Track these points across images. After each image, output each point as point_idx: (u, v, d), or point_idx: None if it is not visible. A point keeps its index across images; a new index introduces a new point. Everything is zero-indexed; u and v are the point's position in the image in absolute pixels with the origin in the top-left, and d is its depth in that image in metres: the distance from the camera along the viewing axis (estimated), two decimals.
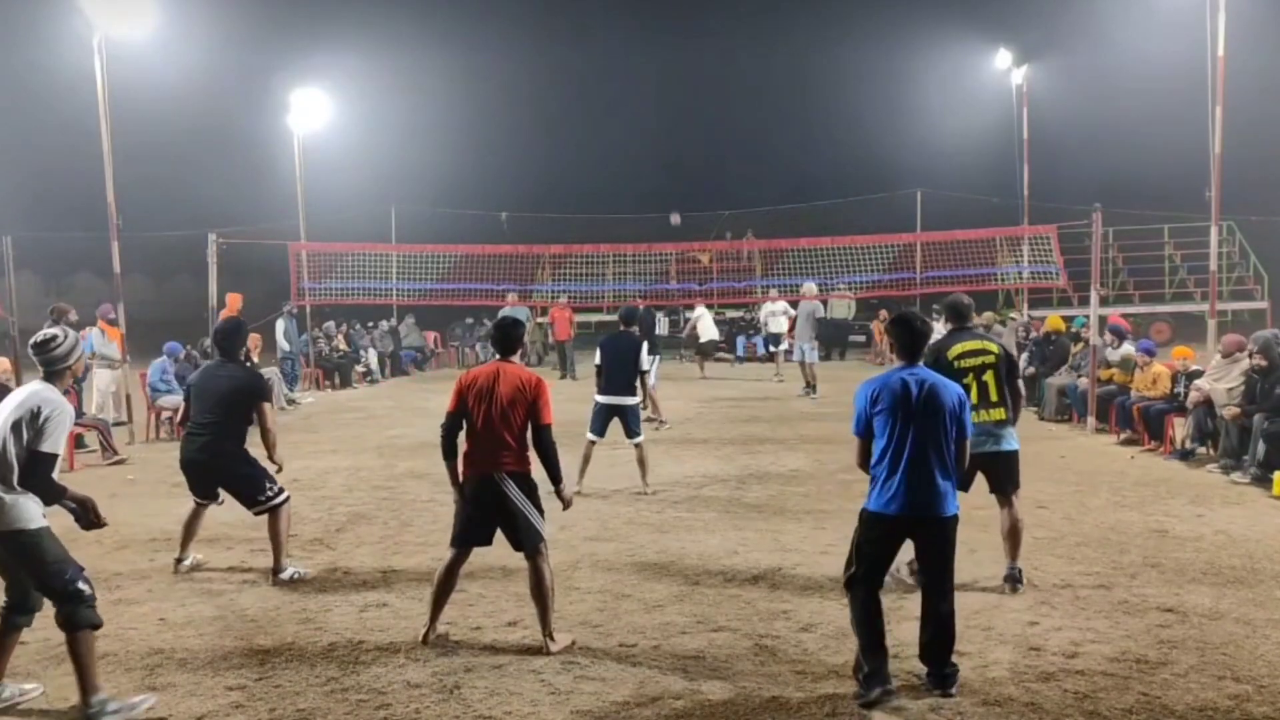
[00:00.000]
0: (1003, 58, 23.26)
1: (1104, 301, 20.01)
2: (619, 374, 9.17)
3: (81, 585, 4.48)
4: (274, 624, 5.74)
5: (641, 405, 9.60)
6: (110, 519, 4.86)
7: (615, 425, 9.24)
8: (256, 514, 6.64)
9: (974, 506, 7.71)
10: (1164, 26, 18.02)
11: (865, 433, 4.80)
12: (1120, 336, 12.94)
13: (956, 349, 6.26)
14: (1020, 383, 6.51)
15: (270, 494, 6.59)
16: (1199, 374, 10.85)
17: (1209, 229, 14.34)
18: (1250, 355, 9.76)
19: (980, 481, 6.26)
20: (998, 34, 25.26)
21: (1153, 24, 18.82)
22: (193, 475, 6.72)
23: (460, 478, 5.36)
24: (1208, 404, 10.31)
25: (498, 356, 5.51)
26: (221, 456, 6.56)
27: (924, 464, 4.63)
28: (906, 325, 4.92)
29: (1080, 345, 14.13)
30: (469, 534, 5.35)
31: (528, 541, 5.25)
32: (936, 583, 4.75)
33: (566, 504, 5.58)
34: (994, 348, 6.32)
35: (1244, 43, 15.93)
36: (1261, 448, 9.21)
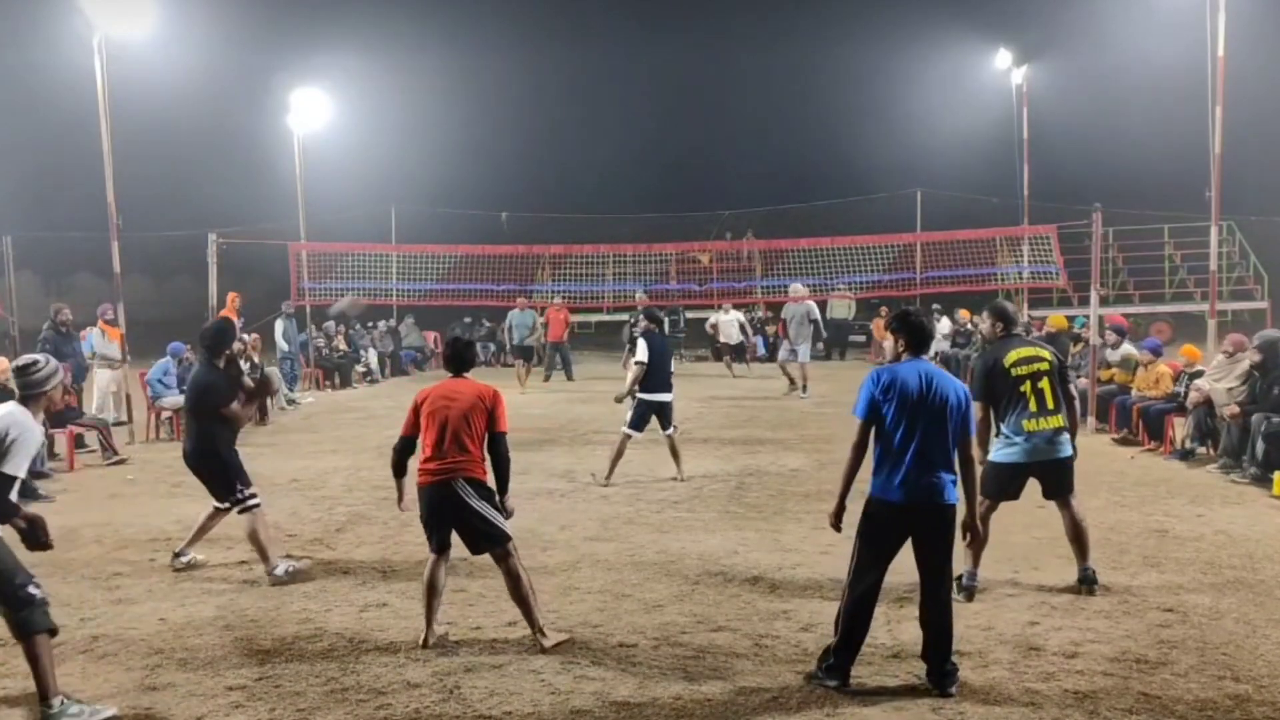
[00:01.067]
0: (1003, 58, 23.26)
1: (1104, 301, 20.03)
2: (662, 371, 9.69)
3: (33, 590, 4.49)
4: (274, 624, 5.74)
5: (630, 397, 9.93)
6: (110, 519, 4.86)
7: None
8: (231, 508, 6.72)
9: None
10: (1164, 26, 18.02)
11: (870, 416, 4.80)
12: (1121, 335, 12.93)
13: (1012, 356, 6.09)
14: (1073, 387, 6.39)
15: (241, 494, 6.65)
16: (1200, 374, 10.86)
17: (1209, 229, 14.34)
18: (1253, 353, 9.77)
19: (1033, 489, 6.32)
20: (998, 34, 25.26)
21: (1153, 24, 18.83)
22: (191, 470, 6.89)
23: (417, 487, 5.45)
24: (1208, 404, 10.32)
25: (450, 374, 5.62)
26: (196, 454, 6.75)
27: (928, 455, 4.67)
28: (909, 320, 4.96)
29: (1080, 345, 14.13)
30: (441, 539, 5.42)
31: (493, 543, 5.28)
32: (936, 572, 4.76)
33: (508, 514, 5.45)
34: (1047, 354, 6.16)
35: (1244, 43, 15.93)
36: (1261, 447, 9.21)
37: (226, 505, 6.77)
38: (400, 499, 5.74)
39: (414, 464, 5.59)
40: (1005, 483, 6.19)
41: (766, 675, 4.91)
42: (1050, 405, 6.02)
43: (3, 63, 28.87)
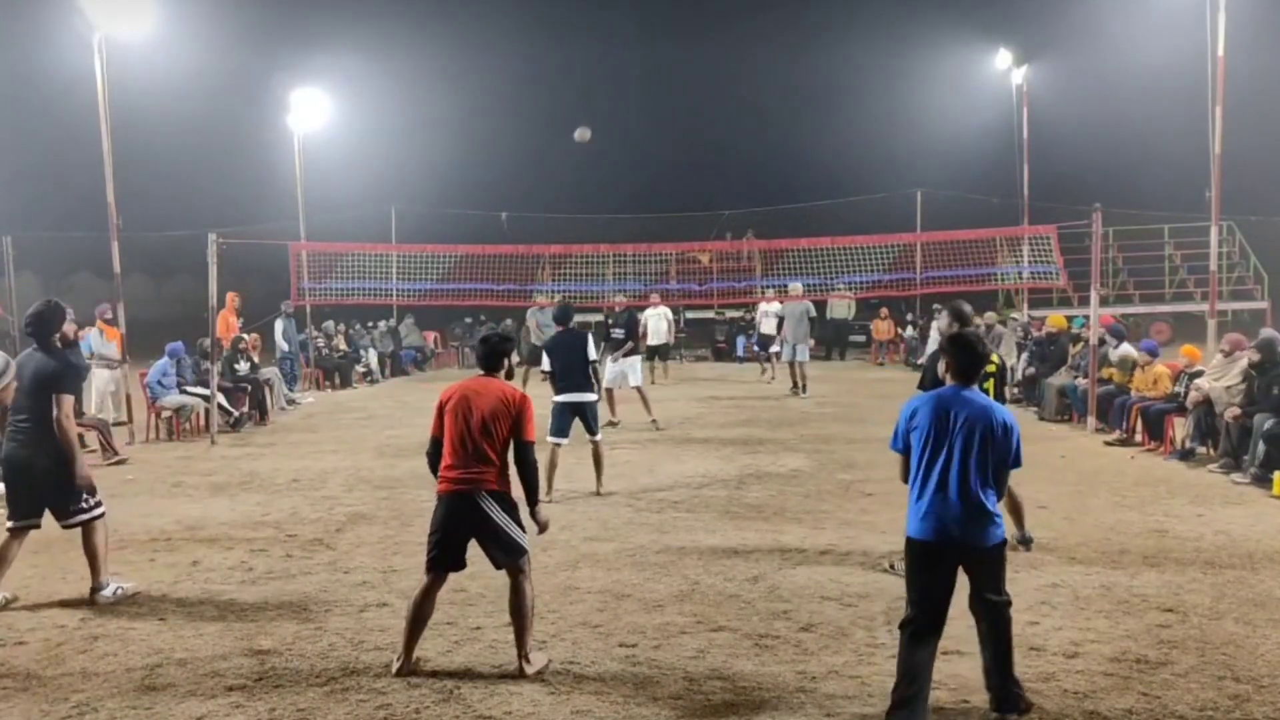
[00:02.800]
0: (1003, 58, 23.27)
1: (1104, 301, 20.02)
2: (574, 372, 9.24)
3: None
4: (274, 624, 5.74)
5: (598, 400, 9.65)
6: (110, 519, 4.86)
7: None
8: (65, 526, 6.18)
9: None
10: (1164, 26, 18.04)
11: (903, 449, 4.58)
12: (1119, 337, 12.93)
13: None
14: (1005, 389, 7.01)
15: (86, 505, 6.14)
16: (1199, 374, 10.86)
17: (1209, 229, 14.36)
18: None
19: None
20: (998, 34, 25.28)
21: (1152, 24, 18.84)
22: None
23: (437, 494, 5.13)
24: (1207, 403, 10.32)
25: (480, 371, 5.28)
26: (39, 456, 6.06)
27: (956, 488, 4.35)
28: (965, 345, 4.65)
29: (1080, 345, 14.13)
30: (446, 558, 5.05)
31: (511, 558, 5.02)
32: (987, 610, 4.43)
33: (543, 527, 5.23)
34: (995, 357, 6.66)
35: (1244, 43, 15.95)
36: (1261, 448, 9.21)
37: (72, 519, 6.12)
38: None
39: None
40: None
41: (766, 675, 4.91)
42: None
43: (3, 63, 28.85)
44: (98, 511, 6.20)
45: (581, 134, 19.10)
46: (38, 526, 6.19)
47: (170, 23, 14.28)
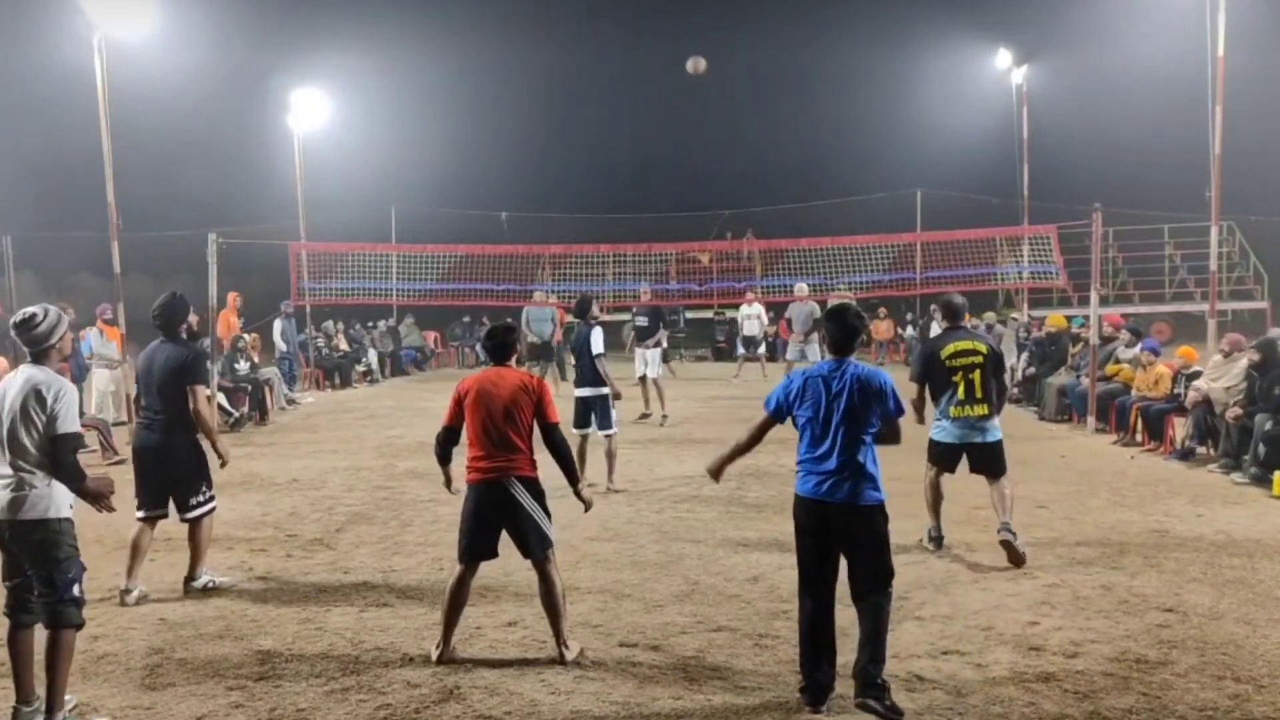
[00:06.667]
0: (1003, 58, 23.28)
1: (1104, 301, 20.01)
2: (583, 366, 9.40)
3: (80, 589, 4.43)
4: (274, 624, 5.74)
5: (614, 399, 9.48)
6: (110, 519, 4.86)
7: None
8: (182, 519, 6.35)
9: (974, 507, 7.75)
10: (1164, 26, 18.05)
11: (776, 416, 4.75)
12: (1137, 335, 12.87)
13: (950, 348, 6.78)
14: (1006, 377, 7.01)
15: (206, 499, 6.35)
16: (1197, 374, 10.86)
17: (1209, 229, 14.36)
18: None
19: (964, 469, 6.95)
20: (998, 34, 25.29)
21: (1152, 24, 18.86)
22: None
23: (465, 485, 5.20)
24: (1207, 404, 10.32)
25: (492, 362, 5.37)
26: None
27: (842, 452, 4.53)
28: (840, 320, 4.80)
29: (1080, 345, 14.13)
30: (478, 547, 5.15)
31: (538, 548, 5.09)
32: (860, 581, 4.54)
33: (588, 505, 5.41)
34: (983, 347, 6.83)
35: (1244, 43, 15.95)
36: (1262, 449, 9.21)
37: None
38: (449, 483, 5.45)
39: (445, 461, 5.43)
40: (941, 457, 7.03)
41: (766, 675, 4.91)
42: (979, 395, 6.74)
43: (3, 63, 28.84)
44: (212, 505, 6.40)
45: (695, 64, 17.49)
46: (165, 516, 6.36)
47: (170, 22, 14.28)
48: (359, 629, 5.63)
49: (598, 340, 9.33)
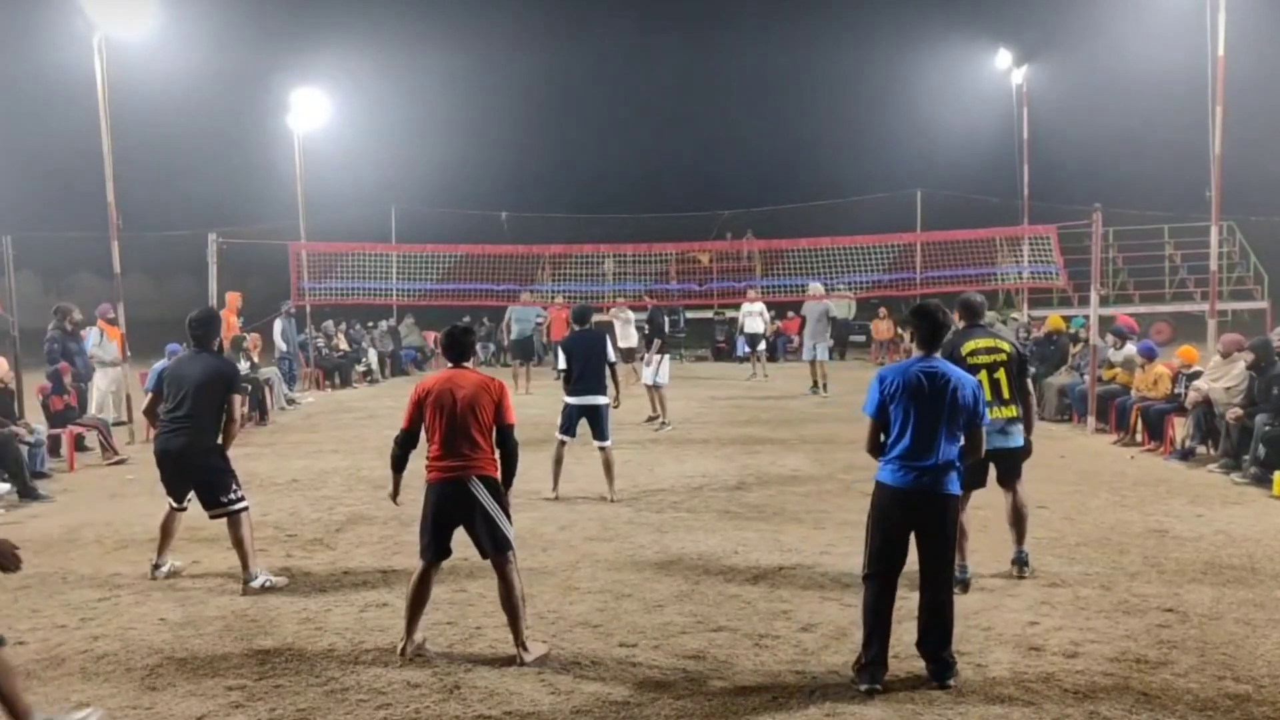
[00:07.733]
0: (1003, 58, 23.25)
1: (1104, 301, 20.01)
2: (591, 373, 8.98)
3: None
4: (274, 624, 5.74)
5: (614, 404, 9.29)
6: (110, 519, 4.85)
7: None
8: (213, 516, 6.51)
9: (974, 506, 7.73)
10: (1164, 26, 18.03)
11: (879, 415, 4.93)
12: (1123, 337, 12.90)
13: (969, 345, 6.40)
14: (1029, 381, 6.57)
15: (233, 497, 6.45)
16: (1197, 375, 10.86)
17: (1209, 229, 14.34)
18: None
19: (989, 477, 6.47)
20: (998, 34, 25.29)
21: (1152, 24, 18.84)
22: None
23: (426, 484, 5.32)
24: (1207, 404, 10.32)
25: (450, 364, 5.41)
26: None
27: (931, 445, 4.76)
28: (928, 316, 5.01)
29: (1080, 345, 14.12)
30: (439, 545, 5.28)
31: (498, 547, 5.13)
32: (934, 565, 4.83)
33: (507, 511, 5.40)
34: (1006, 346, 6.43)
35: (1244, 43, 15.94)
36: (1261, 449, 9.21)
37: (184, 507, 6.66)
38: (395, 494, 5.63)
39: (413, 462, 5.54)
40: (970, 471, 6.31)
41: (766, 675, 4.91)
42: (1005, 395, 6.28)
43: (3, 62, 28.86)
44: (243, 504, 6.47)
45: None
46: (186, 509, 6.66)
47: (170, 23, 14.26)
48: (359, 629, 5.63)
49: (612, 348, 9.14)
